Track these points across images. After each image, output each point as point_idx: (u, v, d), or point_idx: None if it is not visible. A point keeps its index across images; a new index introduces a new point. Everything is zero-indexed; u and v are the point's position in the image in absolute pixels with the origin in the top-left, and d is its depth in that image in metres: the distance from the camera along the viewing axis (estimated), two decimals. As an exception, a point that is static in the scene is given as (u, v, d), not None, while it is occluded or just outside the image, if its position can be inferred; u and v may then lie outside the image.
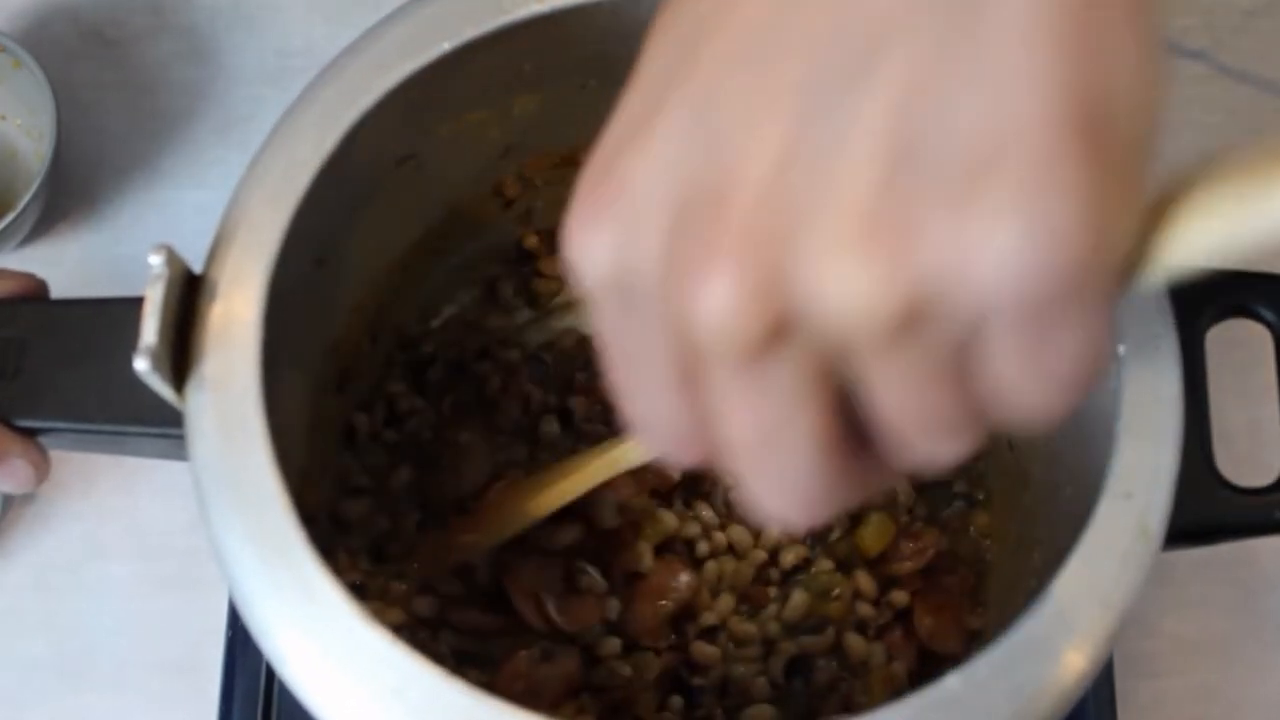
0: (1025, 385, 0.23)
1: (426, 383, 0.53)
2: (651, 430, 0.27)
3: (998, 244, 0.21)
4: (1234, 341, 0.43)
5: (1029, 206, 0.21)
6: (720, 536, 0.51)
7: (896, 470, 0.27)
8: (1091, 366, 0.23)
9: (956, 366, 0.23)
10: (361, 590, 0.47)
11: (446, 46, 0.42)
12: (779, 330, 0.23)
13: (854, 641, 0.50)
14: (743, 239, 0.23)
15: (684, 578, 0.49)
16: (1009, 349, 0.23)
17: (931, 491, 0.52)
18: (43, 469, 0.40)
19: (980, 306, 0.22)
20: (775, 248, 0.23)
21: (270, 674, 0.52)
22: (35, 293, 0.42)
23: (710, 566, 0.50)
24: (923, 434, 0.25)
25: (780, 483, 0.26)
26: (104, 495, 0.58)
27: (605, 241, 0.25)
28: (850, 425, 0.25)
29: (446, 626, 0.48)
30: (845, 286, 0.22)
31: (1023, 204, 0.21)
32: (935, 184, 0.22)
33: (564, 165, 0.52)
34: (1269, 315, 0.43)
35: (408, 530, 0.50)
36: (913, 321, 0.22)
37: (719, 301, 0.23)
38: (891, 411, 0.24)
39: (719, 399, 0.25)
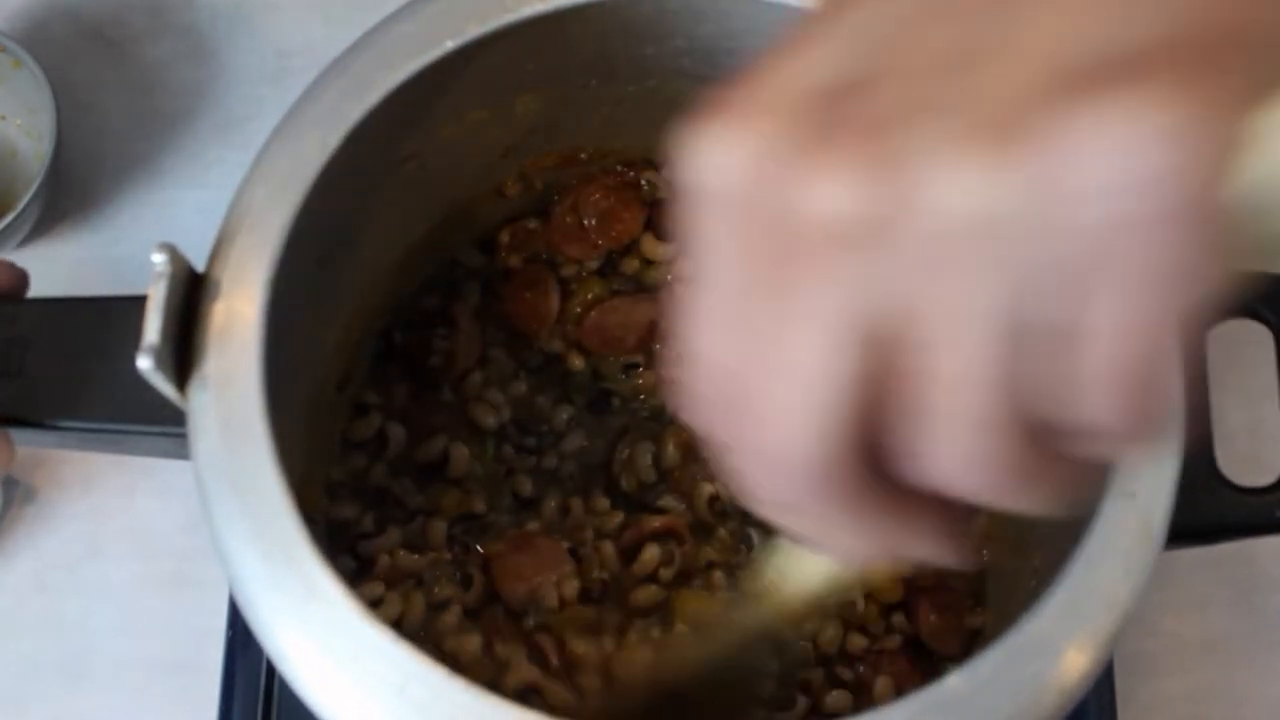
0: (1109, 351, 0.23)
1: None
2: (702, 351, 0.26)
3: (1102, 136, 0.21)
4: (1235, 341, 0.43)
5: (1135, 104, 0.21)
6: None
7: (904, 507, 0.25)
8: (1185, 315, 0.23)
9: (1029, 328, 0.23)
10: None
11: (449, 45, 0.42)
12: (876, 220, 0.23)
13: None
14: (871, 123, 0.23)
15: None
16: (1105, 288, 0.22)
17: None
18: (4, 454, 0.40)
19: (1085, 209, 0.22)
20: (902, 134, 0.23)
21: (270, 673, 0.52)
22: (17, 283, 0.42)
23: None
24: (964, 428, 0.24)
25: (781, 419, 0.24)
26: (104, 495, 0.58)
27: (727, 141, 0.24)
28: (873, 448, 0.24)
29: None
30: (959, 173, 0.22)
31: (1132, 103, 0.21)
32: (1066, 98, 0.22)
33: (565, 165, 0.52)
34: (1269, 315, 0.43)
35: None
36: (1011, 222, 0.22)
37: (830, 176, 0.23)
38: (942, 385, 0.23)
39: (778, 303, 0.24)
